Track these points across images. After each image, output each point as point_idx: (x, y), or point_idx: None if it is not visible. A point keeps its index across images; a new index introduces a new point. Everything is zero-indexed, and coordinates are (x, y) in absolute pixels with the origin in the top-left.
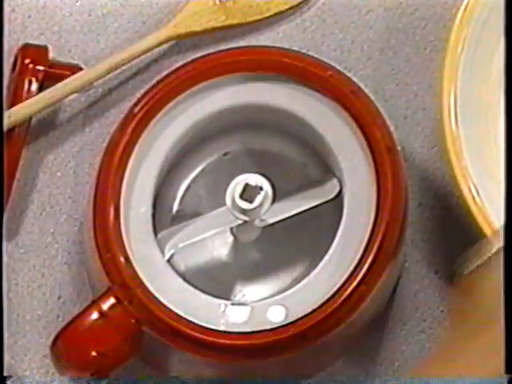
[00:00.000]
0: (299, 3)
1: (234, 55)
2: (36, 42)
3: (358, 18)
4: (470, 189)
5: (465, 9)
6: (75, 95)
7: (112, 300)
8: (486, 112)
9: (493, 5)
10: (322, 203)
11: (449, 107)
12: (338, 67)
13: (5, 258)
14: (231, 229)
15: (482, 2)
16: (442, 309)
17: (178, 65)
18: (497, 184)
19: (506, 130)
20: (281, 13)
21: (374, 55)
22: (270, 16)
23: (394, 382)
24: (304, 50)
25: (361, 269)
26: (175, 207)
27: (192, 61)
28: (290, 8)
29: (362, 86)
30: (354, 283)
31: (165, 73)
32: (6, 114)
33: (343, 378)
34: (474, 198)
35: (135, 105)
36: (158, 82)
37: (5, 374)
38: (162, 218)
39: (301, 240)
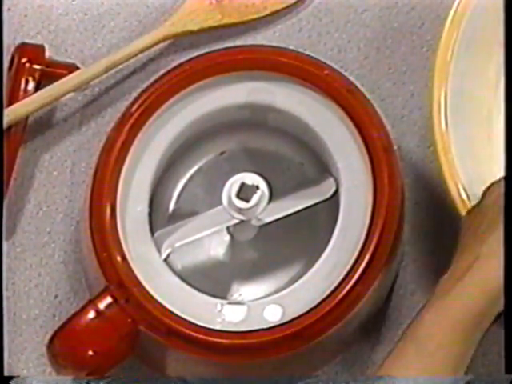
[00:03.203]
0: (296, 2)
1: (230, 54)
2: (33, 42)
3: (354, 17)
4: (458, 190)
5: (455, 10)
6: (72, 94)
7: (109, 299)
8: (478, 112)
9: (484, 5)
10: (319, 202)
11: (439, 108)
12: (335, 66)
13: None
14: (228, 228)
15: (473, 4)
16: None
17: (174, 64)
18: (485, 183)
19: (505, 128)
20: (277, 12)
21: (370, 54)
22: (267, 15)
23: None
24: (300, 49)
25: (357, 268)
26: (172, 206)
27: (188, 60)
28: (287, 7)
29: (358, 85)
30: (351, 283)
31: (161, 72)
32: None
33: (340, 376)
34: (461, 197)
35: (132, 104)
36: (154, 82)
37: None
38: (159, 217)
39: (297, 239)
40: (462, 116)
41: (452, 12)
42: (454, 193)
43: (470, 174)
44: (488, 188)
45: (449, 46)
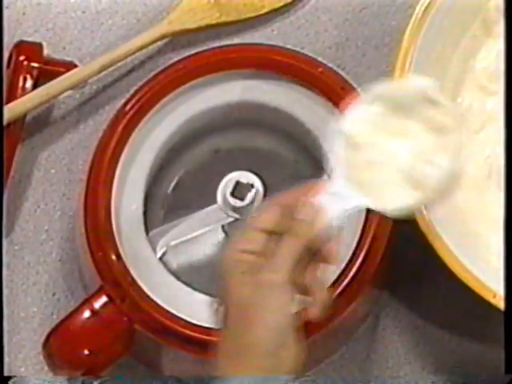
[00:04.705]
0: (293, 0)
1: (223, 53)
2: (31, 39)
3: (353, 15)
4: None
5: (413, 22)
6: (69, 92)
7: (104, 298)
8: None
9: (442, 19)
10: None
11: None
12: (333, 64)
13: None
14: (222, 226)
15: (431, 15)
16: None
17: (172, 62)
18: None
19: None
20: (275, 10)
21: (368, 52)
22: (265, 13)
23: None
24: (298, 48)
25: (353, 266)
26: (166, 205)
27: (181, 59)
28: (285, 5)
29: (356, 83)
30: (347, 280)
31: (158, 70)
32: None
33: (337, 374)
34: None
35: (126, 103)
36: (148, 81)
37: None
38: (154, 216)
39: None
40: None
41: (410, 24)
42: None
43: None
44: None
45: (406, 61)
